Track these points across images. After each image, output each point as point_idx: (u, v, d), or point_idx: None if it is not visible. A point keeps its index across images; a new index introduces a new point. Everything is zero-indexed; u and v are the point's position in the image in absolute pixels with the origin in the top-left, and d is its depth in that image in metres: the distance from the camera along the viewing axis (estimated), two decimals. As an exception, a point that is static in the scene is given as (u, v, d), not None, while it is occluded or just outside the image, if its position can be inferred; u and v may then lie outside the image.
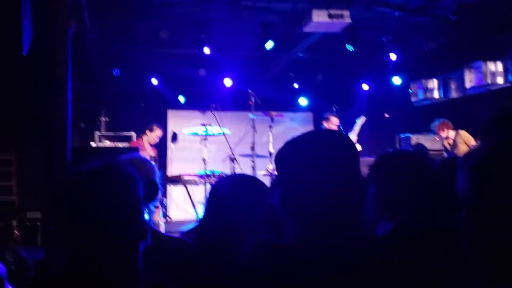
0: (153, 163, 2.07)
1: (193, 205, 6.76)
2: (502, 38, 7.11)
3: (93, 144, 7.28)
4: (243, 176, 1.96)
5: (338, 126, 7.12)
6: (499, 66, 7.04)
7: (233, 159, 6.13)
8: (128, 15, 6.54)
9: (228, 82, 8.99)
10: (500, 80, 7.02)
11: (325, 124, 7.02)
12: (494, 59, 7.08)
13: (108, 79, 8.28)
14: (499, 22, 6.75)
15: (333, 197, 1.12)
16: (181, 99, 9.54)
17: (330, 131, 1.59)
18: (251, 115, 6.33)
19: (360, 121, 7.30)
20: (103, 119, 8.60)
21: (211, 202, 1.70)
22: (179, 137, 7.80)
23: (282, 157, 1.22)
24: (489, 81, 7.03)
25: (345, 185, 1.15)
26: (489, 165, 0.85)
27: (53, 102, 3.23)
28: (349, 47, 7.12)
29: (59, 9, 2.97)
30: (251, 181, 1.80)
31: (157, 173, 2.03)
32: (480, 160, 0.87)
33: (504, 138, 0.87)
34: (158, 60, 8.39)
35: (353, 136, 6.98)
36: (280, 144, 1.28)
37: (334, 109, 7.71)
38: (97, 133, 7.66)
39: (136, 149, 4.95)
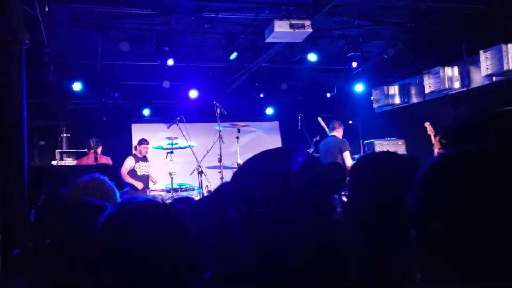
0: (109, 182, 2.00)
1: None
2: (458, 44, 7.39)
3: (54, 162, 7.01)
4: None
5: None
6: (455, 71, 7.30)
7: (200, 172, 6.05)
8: (87, 27, 6.38)
9: (193, 93, 8.92)
10: (457, 84, 7.29)
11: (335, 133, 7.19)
12: (451, 64, 7.34)
13: (68, 94, 8.04)
14: (454, 29, 7.02)
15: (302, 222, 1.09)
16: (146, 112, 9.38)
17: (285, 149, 1.51)
18: (217, 127, 6.29)
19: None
20: (64, 135, 8.33)
21: None
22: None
23: (243, 180, 1.17)
24: (447, 85, 7.28)
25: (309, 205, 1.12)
26: (435, 178, 0.91)
27: (7, 121, 3.07)
28: (311, 56, 7.21)
29: (11, 24, 2.84)
30: None
31: (117, 192, 1.96)
32: (429, 172, 0.93)
33: (452, 153, 0.94)
34: (120, 73, 8.23)
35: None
36: (248, 154, 1.23)
37: (300, 117, 7.78)
38: (58, 151, 7.39)
39: (106, 167, 4.78)
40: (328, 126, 7.29)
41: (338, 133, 7.13)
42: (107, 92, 8.33)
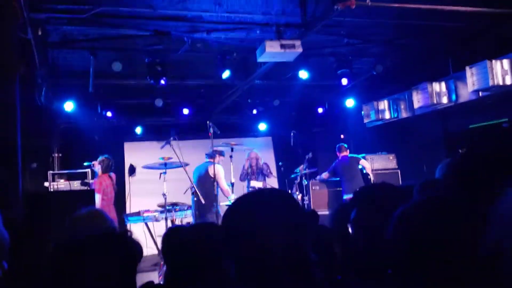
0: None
1: (154, 241, 6.61)
2: (444, 60, 7.56)
3: (46, 184, 6.97)
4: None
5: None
6: (443, 87, 7.45)
7: (194, 192, 6.07)
8: (80, 48, 6.43)
9: (186, 111, 8.97)
10: (445, 99, 7.42)
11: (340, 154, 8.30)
12: (438, 80, 7.49)
13: (59, 113, 8.04)
14: (440, 45, 7.18)
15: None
16: (138, 130, 9.39)
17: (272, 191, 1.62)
18: (210, 148, 6.35)
19: None
20: (55, 155, 8.29)
21: None
22: (137, 170, 7.65)
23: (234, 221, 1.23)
24: (435, 101, 7.41)
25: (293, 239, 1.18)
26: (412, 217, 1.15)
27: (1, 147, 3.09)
28: (303, 74, 7.32)
29: (7, 53, 2.88)
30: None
31: (115, 224, 2.04)
32: (401, 214, 1.18)
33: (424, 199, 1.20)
34: (112, 92, 8.26)
35: None
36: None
37: (292, 134, 7.86)
38: (50, 172, 7.35)
39: (90, 193, 4.77)
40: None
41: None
42: (99, 111, 8.34)
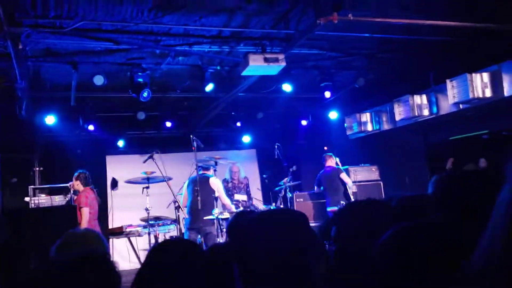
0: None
1: (137, 255, 6.52)
2: (425, 73, 7.69)
3: (27, 199, 6.81)
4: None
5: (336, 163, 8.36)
6: (424, 99, 7.56)
7: (177, 207, 6.01)
8: (61, 62, 6.35)
9: (169, 124, 8.92)
10: (426, 112, 7.54)
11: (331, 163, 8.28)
12: (419, 92, 7.61)
13: (41, 126, 7.91)
14: (421, 59, 7.31)
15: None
16: (120, 143, 9.29)
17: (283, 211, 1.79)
18: (194, 161, 6.30)
19: None
20: (36, 169, 8.13)
21: None
22: (119, 183, 7.55)
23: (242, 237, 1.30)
24: (416, 113, 7.52)
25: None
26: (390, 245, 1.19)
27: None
28: (286, 87, 7.35)
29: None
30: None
31: (107, 244, 2.06)
32: (388, 240, 1.21)
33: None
34: (94, 105, 8.17)
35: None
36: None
37: (276, 146, 7.87)
38: (31, 187, 7.19)
39: (72, 208, 4.68)
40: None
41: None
42: (81, 124, 8.23)
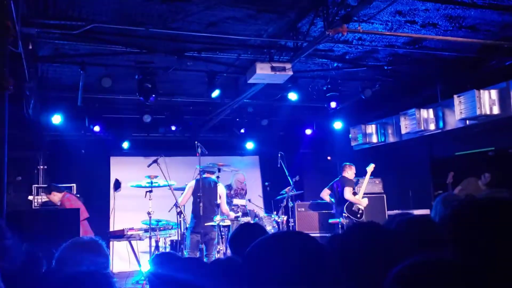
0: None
1: (137, 258, 6.51)
2: (433, 87, 7.67)
3: (30, 197, 6.83)
4: None
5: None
6: (431, 114, 7.54)
7: (179, 213, 6.00)
8: (70, 63, 6.39)
9: (174, 128, 8.94)
10: (432, 126, 7.51)
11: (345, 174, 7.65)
12: (426, 106, 7.59)
13: (47, 125, 7.95)
14: (430, 73, 7.30)
15: None
16: (125, 145, 9.31)
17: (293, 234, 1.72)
18: (197, 166, 6.29)
19: (370, 168, 7.75)
20: (40, 167, 8.16)
21: None
22: (122, 185, 7.57)
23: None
24: (422, 127, 7.49)
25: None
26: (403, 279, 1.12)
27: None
28: (292, 95, 7.35)
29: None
30: None
31: (107, 252, 2.05)
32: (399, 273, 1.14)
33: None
34: (101, 106, 8.21)
35: (364, 184, 7.70)
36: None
37: (279, 155, 7.84)
38: (34, 186, 7.21)
39: (75, 211, 4.69)
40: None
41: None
42: (87, 124, 8.27)
